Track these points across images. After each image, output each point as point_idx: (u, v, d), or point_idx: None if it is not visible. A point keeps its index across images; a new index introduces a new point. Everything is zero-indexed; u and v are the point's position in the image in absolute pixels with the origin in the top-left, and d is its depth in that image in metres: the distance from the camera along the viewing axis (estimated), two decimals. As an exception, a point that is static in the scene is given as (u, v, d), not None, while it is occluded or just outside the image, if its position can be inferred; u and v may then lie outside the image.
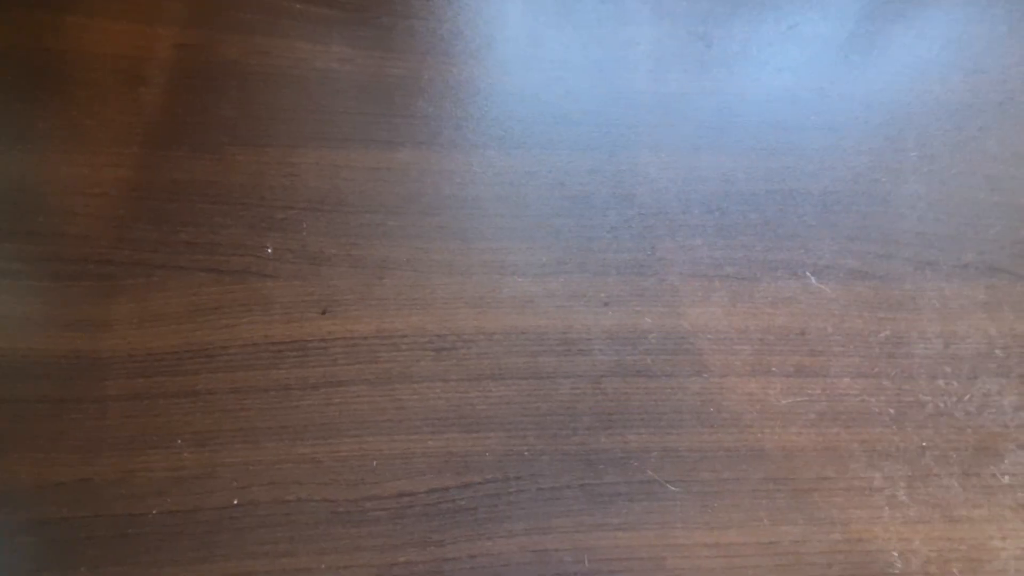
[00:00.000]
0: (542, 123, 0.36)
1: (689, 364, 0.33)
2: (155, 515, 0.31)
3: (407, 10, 0.37)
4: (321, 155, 0.35)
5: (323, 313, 0.33)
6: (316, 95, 0.36)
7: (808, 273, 0.35)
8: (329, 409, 0.32)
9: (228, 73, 0.36)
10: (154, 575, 0.30)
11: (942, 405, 0.33)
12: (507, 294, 0.34)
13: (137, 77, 0.36)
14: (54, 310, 0.33)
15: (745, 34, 0.38)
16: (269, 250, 0.34)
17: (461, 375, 0.33)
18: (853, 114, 0.37)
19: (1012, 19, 0.39)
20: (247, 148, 0.35)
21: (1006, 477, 0.33)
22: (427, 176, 0.34)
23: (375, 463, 0.32)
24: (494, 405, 0.32)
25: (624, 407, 0.33)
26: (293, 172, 0.35)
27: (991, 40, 0.38)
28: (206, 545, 0.31)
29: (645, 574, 0.30)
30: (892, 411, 0.33)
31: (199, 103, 0.35)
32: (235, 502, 0.31)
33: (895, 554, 0.31)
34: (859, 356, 0.34)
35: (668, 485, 0.32)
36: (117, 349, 0.33)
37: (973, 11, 0.39)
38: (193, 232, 0.34)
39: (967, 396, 0.33)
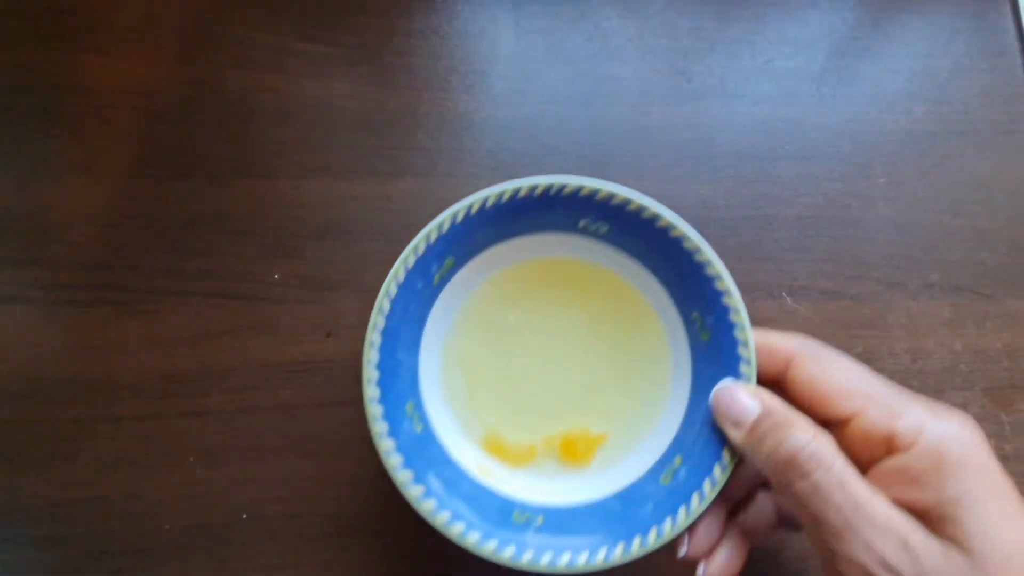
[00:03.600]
0: (533, 153, 0.38)
1: (673, 381, 0.35)
2: (168, 530, 0.33)
3: (406, 49, 0.39)
4: (325, 186, 0.37)
5: (328, 336, 0.35)
6: (320, 129, 0.38)
7: (784, 294, 0.37)
8: (335, 428, 0.34)
9: (235, 108, 0.38)
10: (168, 587, 0.31)
11: (911, 417, 0.35)
12: (501, 316, 0.36)
13: (148, 112, 0.37)
14: (71, 335, 0.35)
15: (723, 69, 0.40)
16: (276, 276, 0.36)
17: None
18: (825, 143, 0.39)
19: (972, 53, 0.41)
20: (254, 180, 0.37)
21: (972, 485, 0.35)
22: (425, 205, 0.36)
23: (381, 479, 0.33)
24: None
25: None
26: (299, 202, 0.36)
27: (952, 73, 0.41)
28: (217, 558, 0.32)
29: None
30: (864, 423, 0.35)
31: (208, 137, 0.37)
32: (244, 516, 0.33)
33: (868, 559, 0.33)
34: (833, 372, 0.36)
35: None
36: (130, 372, 0.34)
37: (935, 46, 0.41)
38: (203, 260, 0.36)
39: (934, 409, 0.35)
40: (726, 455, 0.26)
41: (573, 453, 0.29)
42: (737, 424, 0.25)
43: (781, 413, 0.24)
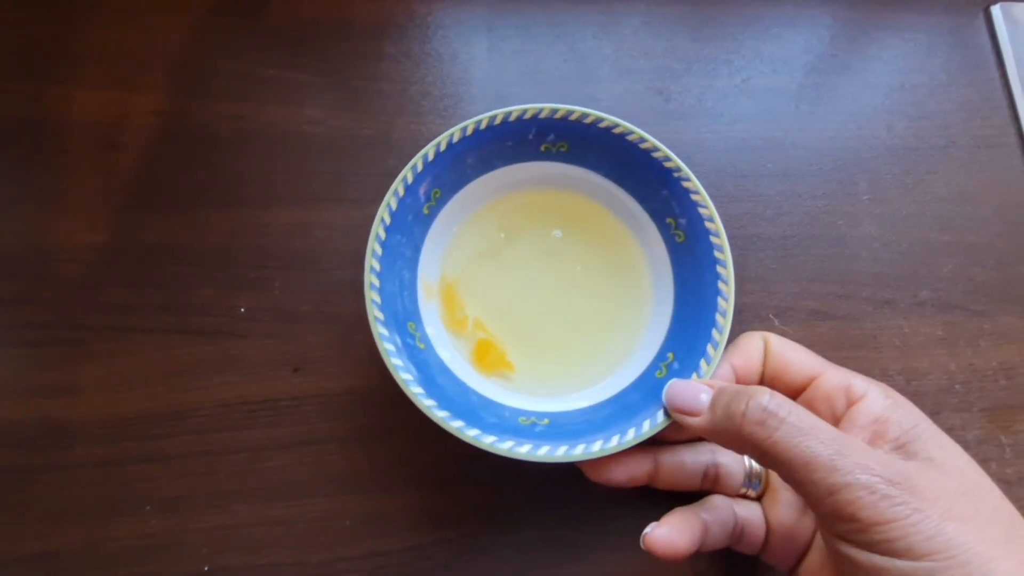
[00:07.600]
0: (509, 177, 0.37)
1: (660, 409, 0.34)
2: (123, 586, 0.30)
3: (377, 73, 0.38)
4: (293, 214, 0.36)
5: (296, 371, 0.33)
6: (288, 156, 0.36)
7: (771, 315, 0.36)
8: (301, 468, 0.32)
9: (201, 137, 0.37)
10: (120, 651, 0.29)
11: (908, 442, 0.34)
12: (479, 346, 0.34)
13: (112, 143, 0.36)
14: (24, 377, 0.33)
15: (700, 88, 0.39)
16: (242, 309, 0.34)
17: (436, 429, 0.33)
18: (806, 161, 0.39)
19: (950, 68, 0.41)
20: (220, 210, 0.35)
21: (976, 511, 0.33)
22: (398, 232, 0.35)
23: (348, 522, 0.31)
24: (469, 458, 0.32)
25: (598, 455, 0.33)
26: (266, 232, 0.35)
27: (931, 89, 0.40)
28: (175, 616, 0.30)
29: (623, 627, 0.30)
30: (860, 449, 0.33)
31: (173, 167, 0.36)
32: (206, 568, 0.31)
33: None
34: (825, 395, 0.34)
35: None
36: (86, 415, 0.32)
37: (912, 63, 0.41)
38: (166, 294, 0.34)
39: (932, 432, 0.34)
40: (710, 349, 0.28)
41: (483, 360, 0.32)
42: (693, 411, 0.26)
43: (733, 386, 0.26)
